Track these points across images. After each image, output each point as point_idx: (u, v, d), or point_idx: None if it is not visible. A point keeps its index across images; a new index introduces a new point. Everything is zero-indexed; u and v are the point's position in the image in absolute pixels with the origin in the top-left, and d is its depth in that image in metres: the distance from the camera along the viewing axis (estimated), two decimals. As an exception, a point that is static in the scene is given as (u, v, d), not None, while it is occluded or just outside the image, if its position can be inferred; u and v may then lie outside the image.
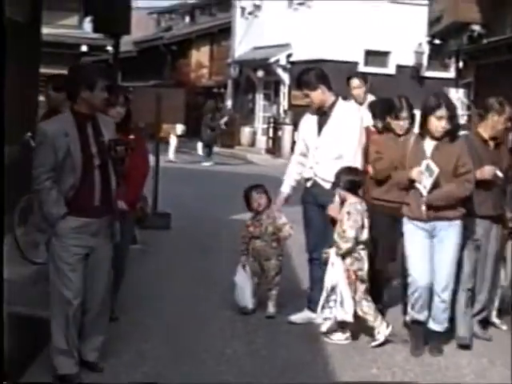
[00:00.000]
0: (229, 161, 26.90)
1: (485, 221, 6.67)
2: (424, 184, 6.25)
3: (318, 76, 7.05)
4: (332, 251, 6.68)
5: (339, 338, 6.69)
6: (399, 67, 27.59)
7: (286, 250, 8.04)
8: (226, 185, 18.69)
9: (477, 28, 16.10)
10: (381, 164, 7.08)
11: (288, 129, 28.84)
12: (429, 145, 6.36)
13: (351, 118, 7.08)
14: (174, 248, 10.68)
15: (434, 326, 6.51)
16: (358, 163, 6.95)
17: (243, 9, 33.73)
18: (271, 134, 30.76)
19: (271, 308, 7.37)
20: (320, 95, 6.96)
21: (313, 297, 7.10)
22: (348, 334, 6.70)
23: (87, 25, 16.69)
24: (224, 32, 35.92)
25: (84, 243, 5.43)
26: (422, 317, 6.49)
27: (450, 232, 6.39)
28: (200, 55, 38.89)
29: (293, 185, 7.32)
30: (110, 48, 17.82)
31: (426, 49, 24.46)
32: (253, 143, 32.65)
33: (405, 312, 6.88)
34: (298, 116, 27.91)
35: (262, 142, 31.99)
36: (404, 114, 7.10)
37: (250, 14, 33.11)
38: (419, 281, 6.40)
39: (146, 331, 6.71)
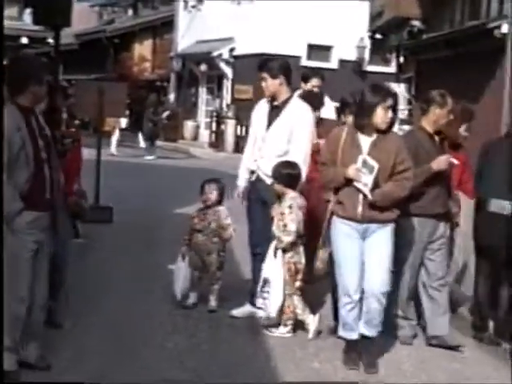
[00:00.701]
0: (172, 155, 26.74)
1: (433, 219, 6.50)
2: (365, 182, 5.81)
3: (284, 67, 7.00)
4: (272, 245, 6.66)
5: (281, 331, 6.68)
6: (342, 62, 27.72)
7: (230, 245, 7.95)
8: (168, 179, 18.64)
9: (417, 23, 16.28)
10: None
11: (231, 123, 28.96)
12: (364, 140, 5.95)
13: (303, 118, 6.95)
14: (116, 242, 10.56)
15: (367, 330, 6.04)
16: (305, 164, 6.88)
17: (186, 2, 33.29)
18: (214, 128, 30.68)
19: (213, 302, 7.32)
20: (277, 85, 6.89)
21: (255, 291, 7.04)
22: (290, 328, 6.69)
23: (27, 16, 16.47)
24: (167, 25, 35.67)
25: (36, 238, 5.34)
26: (355, 335, 6.03)
27: (383, 234, 5.97)
28: (143, 48, 38.59)
29: (248, 177, 7.17)
30: (50, 40, 17.59)
31: (368, 43, 24.60)
32: (196, 137, 32.56)
33: (335, 317, 6.56)
34: (240, 110, 28.39)
35: (204, 136, 31.93)
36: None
37: (192, 7, 32.73)
38: (353, 291, 5.94)
39: (87, 327, 6.61)
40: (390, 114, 5.89)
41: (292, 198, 6.65)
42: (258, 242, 7.05)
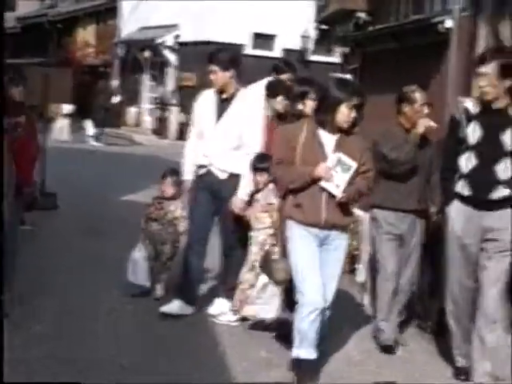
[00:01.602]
0: (116, 141, 26.57)
1: (409, 215, 6.38)
2: (337, 182, 5.38)
3: (235, 59, 6.84)
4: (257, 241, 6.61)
5: (229, 319, 6.74)
6: (286, 51, 27.75)
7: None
8: (113, 165, 18.57)
9: (362, 16, 16.39)
10: None
11: (174, 110, 28.89)
12: (327, 138, 5.52)
13: (254, 109, 6.83)
14: (62, 229, 10.59)
15: (303, 353, 5.49)
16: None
17: (131, -12, 33.27)
18: (157, 115, 30.46)
19: (159, 291, 7.34)
20: (227, 78, 6.70)
21: (186, 287, 6.97)
22: (238, 316, 6.72)
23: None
24: (111, 11, 35.20)
25: None
26: (314, 354, 5.53)
27: (341, 243, 5.63)
28: (86, 34, 38.09)
29: (192, 170, 6.98)
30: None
31: (313, 33, 24.67)
32: (138, 124, 32.30)
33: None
34: (184, 97, 28.32)
35: (147, 122, 31.69)
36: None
37: (137, -7, 32.68)
38: (316, 301, 5.44)
39: (36, 314, 6.62)
40: (353, 113, 5.49)
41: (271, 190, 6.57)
42: (198, 236, 6.92)
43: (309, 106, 6.37)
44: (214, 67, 6.71)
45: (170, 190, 7.43)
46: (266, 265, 6.09)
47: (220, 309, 6.91)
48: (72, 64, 31.91)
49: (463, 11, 12.59)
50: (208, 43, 27.10)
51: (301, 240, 5.51)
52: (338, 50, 21.10)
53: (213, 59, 6.77)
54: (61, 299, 7.17)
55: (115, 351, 5.95)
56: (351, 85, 5.79)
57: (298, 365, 5.52)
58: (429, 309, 6.94)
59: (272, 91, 7.12)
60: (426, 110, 6.44)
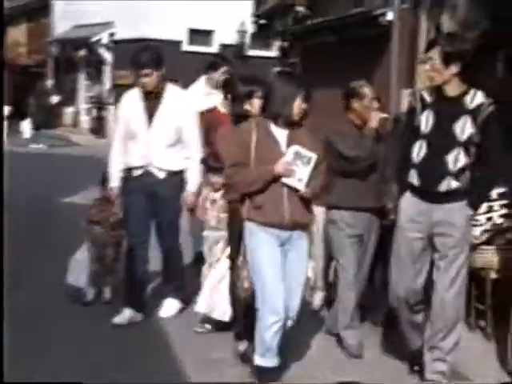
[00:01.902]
0: (53, 142, 26.14)
1: (366, 214, 6.28)
2: (299, 177, 5.19)
3: (158, 59, 6.63)
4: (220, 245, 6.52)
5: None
6: (223, 46, 27.60)
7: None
8: (53, 167, 18.30)
9: (301, 9, 16.27)
10: None
11: (112, 108, 28.05)
12: (279, 133, 5.37)
13: (186, 104, 6.78)
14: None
15: (266, 362, 5.36)
16: (199, 151, 6.78)
17: (63, -14, 32.85)
18: (94, 114, 30.15)
19: (107, 294, 7.24)
20: (155, 80, 6.56)
21: (133, 293, 6.90)
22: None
23: None
24: (42, 9, 34.62)
25: None
26: (276, 361, 5.41)
27: (303, 243, 5.42)
28: (16, 33, 37.42)
29: (119, 175, 6.84)
30: None
31: (250, 28, 24.53)
32: (76, 124, 31.93)
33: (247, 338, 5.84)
34: (121, 96, 28.04)
35: (85, 122, 31.33)
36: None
37: (70, -10, 32.28)
38: (280, 310, 5.22)
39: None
40: (303, 105, 5.41)
41: None
42: (141, 240, 6.82)
43: (256, 104, 6.09)
44: (142, 71, 6.51)
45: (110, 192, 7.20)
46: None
47: (170, 310, 6.90)
48: (2, 64, 31.30)
49: (403, 3, 12.57)
50: (144, 40, 26.91)
51: (262, 244, 5.27)
52: (276, 44, 21.01)
53: (136, 64, 6.57)
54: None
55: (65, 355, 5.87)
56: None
57: (260, 372, 5.41)
58: (380, 303, 6.82)
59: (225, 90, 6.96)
60: (375, 105, 6.35)
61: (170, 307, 7.00)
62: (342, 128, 6.37)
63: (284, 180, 5.22)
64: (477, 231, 6.61)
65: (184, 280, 7.10)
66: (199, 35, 28.01)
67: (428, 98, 5.49)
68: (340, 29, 14.19)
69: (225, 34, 27.58)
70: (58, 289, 7.35)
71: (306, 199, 5.35)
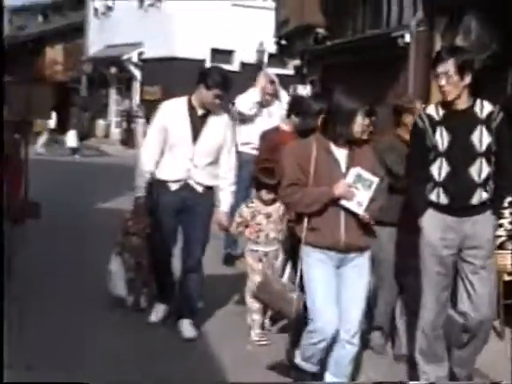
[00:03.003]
0: (88, 152, 25.92)
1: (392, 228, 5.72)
2: (358, 200, 4.58)
3: (224, 78, 6.08)
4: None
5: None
6: (243, 64, 27.34)
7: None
8: (88, 175, 18.20)
9: (321, 31, 16.02)
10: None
11: (140, 121, 28.30)
12: (338, 153, 4.75)
13: (228, 125, 6.28)
14: (46, 237, 9.90)
15: (307, 366, 4.99)
16: (234, 172, 6.35)
17: (96, 9, 33.02)
18: (124, 127, 30.08)
19: (143, 302, 6.86)
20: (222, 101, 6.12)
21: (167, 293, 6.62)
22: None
23: None
24: (77, 31, 34.70)
25: None
26: (316, 369, 5.00)
27: (361, 265, 4.81)
28: (54, 53, 37.48)
29: (149, 185, 6.20)
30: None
31: (269, 47, 24.25)
32: (107, 135, 31.77)
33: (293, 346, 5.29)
34: (149, 110, 28.29)
35: (115, 133, 31.27)
36: None
37: (102, 14, 32.48)
38: (327, 330, 4.69)
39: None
40: (367, 121, 4.88)
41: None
42: (169, 253, 6.44)
43: (321, 121, 5.30)
44: (219, 92, 5.97)
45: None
46: (268, 295, 5.33)
47: (158, 315, 6.54)
48: (42, 81, 31.44)
49: (418, 26, 12.22)
50: (170, 59, 26.98)
51: (318, 266, 4.71)
52: (292, 63, 20.78)
53: (228, 85, 6.05)
54: (46, 312, 6.65)
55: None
56: (356, 94, 4.94)
57: (298, 371, 5.08)
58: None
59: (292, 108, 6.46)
60: None
61: (189, 327, 6.28)
62: (391, 143, 5.79)
63: (343, 202, 4.61)
64: None
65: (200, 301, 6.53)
66: (221, 54, 27.76)
67: (436, 116, 4.90)
68: (358, 49, 13.83)
69: (245, 54, 27.29)
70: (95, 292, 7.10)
71: (364, 222, 4.77)
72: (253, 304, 6.11)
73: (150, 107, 28.05)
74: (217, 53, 27.81)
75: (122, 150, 27.76)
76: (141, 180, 6.14)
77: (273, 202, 6.15)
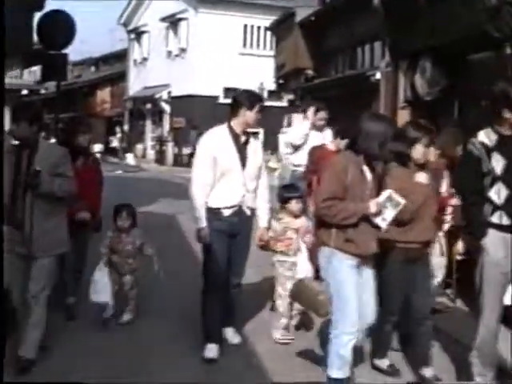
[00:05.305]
0: (129, 169, 26.02)
1: None
2: (384, 217, 4.11)
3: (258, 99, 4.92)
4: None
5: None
6: (248, 99, 27.33)
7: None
8: (132, 186, 18.03)
9: (310, 72, 16.00)
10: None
11: (170, 144, 28.81)
12: (368, 173, 4.17)
13: (260, 148, 5.11)
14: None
15: (343, 374, 4.18)
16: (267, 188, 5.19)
17: (135, 60, 33.12)
18: (157, 149, 30.14)
19: (125, 317, 5.65)
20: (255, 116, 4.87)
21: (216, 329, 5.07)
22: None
23: (26, 75, 15.79)
24: (121, 77, 34.79)
25: None
26: (347, 373, 4.22)
27: (370, 269, 4.28)
28: (104, 94, 37.55)
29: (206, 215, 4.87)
30: (43, 91, 16.86)
31: (269, 86, 24.21)
32: (144, 155, 31.78)
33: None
34: (176, 135, 28.58)
35: (151, 154, 31.28)
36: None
37: (140, 63, 32.53)
38: (354, 331, 4.12)
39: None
40: (427, 150, 4.40)
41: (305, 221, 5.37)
42: (223, 281, 5.00)
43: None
44: (258, 107, 4.84)
45: (126, 223, 5.69)
46: (302, 296, 4.67)
47: (235, 337, 5.32)
48: (93, 116, 31.56)
49: (387, 67, 12.20)
50: (191, 96, 27.07)
51: (348, 271, 4.12)
52: (287, 97, 20.76)
53: (248, 102, 4.85)
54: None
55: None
56: (425, 125, 4.40)
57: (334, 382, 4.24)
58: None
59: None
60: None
61: (234, 334, 5.30)
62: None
63: (371, 217, 4.11)
64: None
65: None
66: (231, 92, 27.75)
67: (489, 142, 4.14)
68: (340, 85, 13.82)
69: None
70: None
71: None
72: (283, 308, 5.31)
73: (176, 133, 28.55)
74: (228, 90, 27.82)
75: (155, 167, 27.86)
76: (200, 212, 4.84)
77: (301, 214, 5.35)
